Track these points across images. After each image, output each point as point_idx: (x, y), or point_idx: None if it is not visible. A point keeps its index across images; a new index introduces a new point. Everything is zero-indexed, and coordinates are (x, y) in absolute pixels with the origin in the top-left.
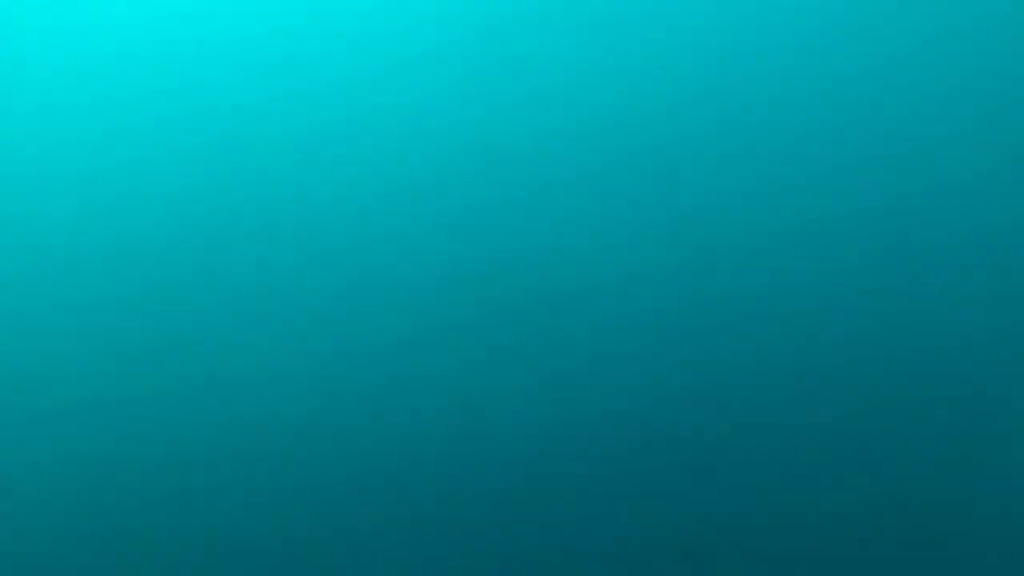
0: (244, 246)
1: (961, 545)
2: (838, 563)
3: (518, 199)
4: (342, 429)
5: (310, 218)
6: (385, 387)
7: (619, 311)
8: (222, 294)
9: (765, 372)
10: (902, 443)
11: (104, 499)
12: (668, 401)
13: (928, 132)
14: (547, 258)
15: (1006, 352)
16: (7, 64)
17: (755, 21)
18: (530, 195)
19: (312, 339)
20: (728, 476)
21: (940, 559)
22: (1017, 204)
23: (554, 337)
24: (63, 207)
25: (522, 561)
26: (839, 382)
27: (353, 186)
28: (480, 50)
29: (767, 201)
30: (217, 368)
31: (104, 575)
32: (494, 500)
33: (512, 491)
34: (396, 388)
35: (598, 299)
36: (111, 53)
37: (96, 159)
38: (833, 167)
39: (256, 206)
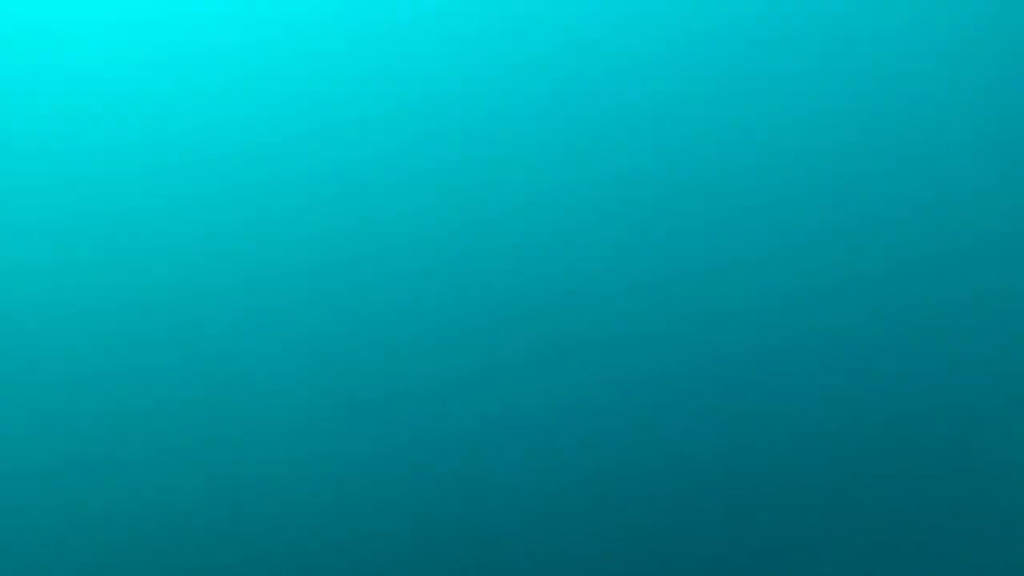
0: (242, 246)
1: (960, 547)
2: (836, 562)
3: (514, 198)
4: (337, 433)
5: (308, 219)
6: (382, 389)
7: (618, 311)
8: (220, 295)
9: (764, 372)
10: (901, 443)
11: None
12: (665, 402)
13: (926, 135)
14: (545, 258)
15: (1006, 352)
16: (7, 64)
17: (755, 21)
18: (527, 195)
19: (310, 339)
20: (730, 477)
21: (937, 559)
22: (1017, 205)
23: (555, 338)
24: (62, 207)
25: (518, 559)
26: (836, 386)
27: (352, 186)
28: (478, 50)
29: (766, 201)
30: (215, 369)
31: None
32: (491, 500)
33: (509, 489)
34: (393, 389)
35: (596, 298)
36: (110, 51)
37: (96, 159)
38: (830, 170)
39: (255, 206)
